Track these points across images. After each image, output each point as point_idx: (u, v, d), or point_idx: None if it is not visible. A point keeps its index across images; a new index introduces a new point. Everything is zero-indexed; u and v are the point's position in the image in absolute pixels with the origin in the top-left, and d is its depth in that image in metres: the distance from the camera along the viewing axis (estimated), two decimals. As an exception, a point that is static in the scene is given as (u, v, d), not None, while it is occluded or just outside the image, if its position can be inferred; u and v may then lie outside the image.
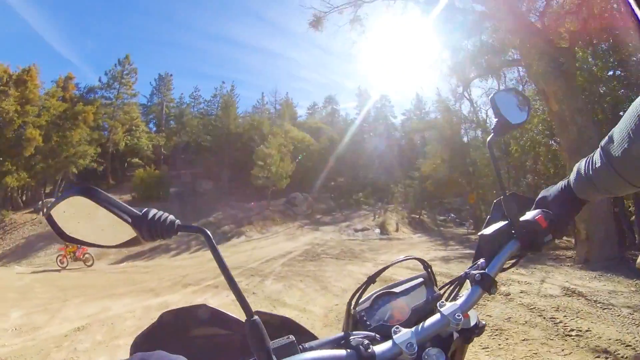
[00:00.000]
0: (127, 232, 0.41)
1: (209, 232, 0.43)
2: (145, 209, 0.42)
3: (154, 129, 38.26)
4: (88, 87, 33.62)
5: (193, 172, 32.84)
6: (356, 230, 21.65)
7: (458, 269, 5.88)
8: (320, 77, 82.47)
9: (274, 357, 0.44)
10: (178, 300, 5.94)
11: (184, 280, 8.04)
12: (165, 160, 36.26)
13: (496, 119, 0.78)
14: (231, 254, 13.83)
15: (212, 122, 36.54)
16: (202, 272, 8.90)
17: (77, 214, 0.40)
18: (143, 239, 0.41)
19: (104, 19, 54.97)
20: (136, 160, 32.24)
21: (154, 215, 0.42)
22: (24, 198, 27.65)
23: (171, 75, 40.56)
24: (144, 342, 0.57)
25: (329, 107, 44.25)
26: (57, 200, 0.39)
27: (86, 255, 12.83)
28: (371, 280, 0.67)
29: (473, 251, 0.75)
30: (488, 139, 0.79)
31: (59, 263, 12.59)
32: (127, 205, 0.40)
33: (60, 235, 0.42)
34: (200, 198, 27.98)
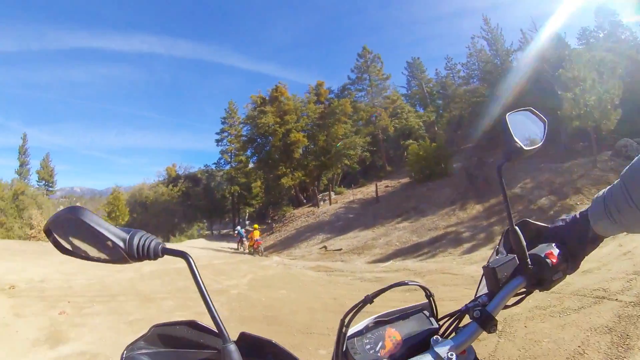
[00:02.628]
0: (116, 251, 0.44)
1: (191, 257, 0.46)
2: (132, 231, 0.45)
3: (422, 109, 36.84)
4: (340, 87, 35.68)
5: (476, 144, 27.37)
6: None
7: None
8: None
9: None
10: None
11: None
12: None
13: (507, 142, 0.71)
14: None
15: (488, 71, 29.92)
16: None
17: (74, 231, 0.43)
18: (129, 259, 0.44)
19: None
20: (409, 142, 30.32)
21: (140, 238, 0.45)
22: (305, 195, 31.07)
23: (418, 58, 38.78)
24: (134, 354, 0.56)
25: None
26: (54, 217, 0.43)
27: (259, 248, 15.92)
28: (368, 300, 0.64)
29: None
30: (498, 163, 0.70)
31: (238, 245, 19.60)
32: (115, 227, 0.44)
33: (57, 247, 0.45)
34: (491, 169, 21.85)
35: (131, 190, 39.23)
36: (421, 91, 37.60)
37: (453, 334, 0.66)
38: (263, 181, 32.62)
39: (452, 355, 0.57)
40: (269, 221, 29.84)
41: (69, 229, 0.43)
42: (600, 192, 0.64)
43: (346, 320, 0.63)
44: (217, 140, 41.36)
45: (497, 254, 0.73)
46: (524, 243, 0.65)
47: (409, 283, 0.71)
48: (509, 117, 0.72)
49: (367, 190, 25.81)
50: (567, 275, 0.67)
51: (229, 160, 41.66)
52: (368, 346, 0.64)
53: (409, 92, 38.70)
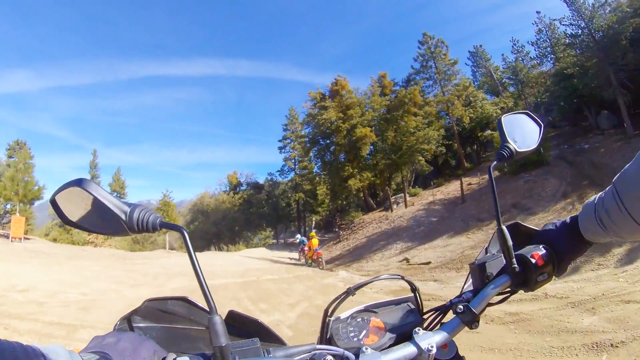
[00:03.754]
0: (118, 223, 0.45)
1: (186, 231, 0.47)
2: (133, 205, 0.46)
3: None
4: (405, 79, 32.20)
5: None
6: None
7: None
8: None
9: (230, 355, 0.46)
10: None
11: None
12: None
13: (502, 143, 0.73)
14: None
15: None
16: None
17: (78, 203, 0.44)
18: (130, 231, 0.45)
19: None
20: (488, 133, 26.21)
21: (140, 211, 0.45)
22: (375, 199, 28.18)
23: (481, 45, 35.54)
24: (127, 325, 0.59)
25: None
26: (60, 189, 0.44)
27: (319, 259, 13.92)
28: (350, 292, 0.67)
29: None
30: (491, 164, 0.72)
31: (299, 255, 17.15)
32: (118, 200, 0.45)
33: (63, 219, 0.46)
34: (592, 155, 17.55)
35: (194, 200, 39.98)
36: (490, 79, 33.05)
37: (437, 327, 0.65)
38: (329, 186, 30.46)
39: (432, 347, 0.57)
40: (336, 229, 27.74)
41: (74, 200, 0.44)
42: (592, 198, 0.64)
43: (329, 311, 0.66)
44: (280, 148, 40.77)
45: (486, 253, 0.74)
46: (510, 243, 0.65)
47: (393, 277, 0.74)
48: (504, 119, 0.73)
49: (447, 190, 22.18)
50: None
51: (293, 167, 40.71)
52: (352, 333, 0.66)
53: (477, 82, 34.60)
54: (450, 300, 0.67)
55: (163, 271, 10.66)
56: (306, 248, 16.41)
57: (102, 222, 0.45)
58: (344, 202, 28.69)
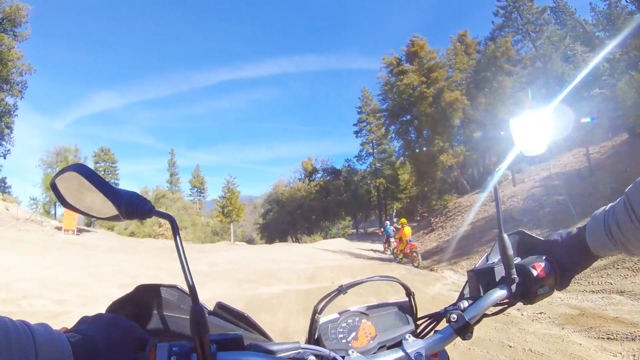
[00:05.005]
0: (110, 208, 0.46)
1: (175, 220, 0.47)
2: (126, 192, 0.46)
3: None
4: (487, 38, 26.26)
5: None
6: None
7: None
8: None
9: (212, 345, 0.47)
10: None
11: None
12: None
13: (511, 147, 0.71)
14: None
15: None
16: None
17: (75, 187, 0.45)
18: (122, 216, 0.46)
19: None
20: (595, 91, 19.94)
21: (131, 198, 0.46)
22: (476, 177, 23.45)
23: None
24: (117, 308, 0.59)
25: None
26: (59, 173, 0.45)
27: (413, 254, 10.61)
28: (341, 290, 0.66)
29: None
30: (496, 169, 0.71)
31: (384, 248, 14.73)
32: (112, 187, 0.46)
33: (62, 202, 0.47)
34: None
35: (269, 190, 38.87)
36: (581, 31, 25.36)
37: (430, 335, 0.63)
38: (413, 167, 26.47)
39: (421, 355, 0.56)
40: (418, 218, 24.41)
41: (72, 185, 0.45)
42: (601, 209, 0.61)
43: (319, 308, 0.64)
44: (356, 132, 37.85)
45: (487, 260, 0.71)
46: (511, 252, 0.62)
47: (388, 279, 0.72)
48: (513, 122, 0.70)
49: (561, 163, 16.88)
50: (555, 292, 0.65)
51: (371, 150, 37.44)
52: (341, 335, 0.65)
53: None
54: (445, 308, 0.64)
55: (205, 269, 8.68)
56: (393, 240, 13.20)
57: (96, 206, 0.46)
58: (432, 186, 24.41)
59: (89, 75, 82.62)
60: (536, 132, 0.69)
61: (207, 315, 0.46)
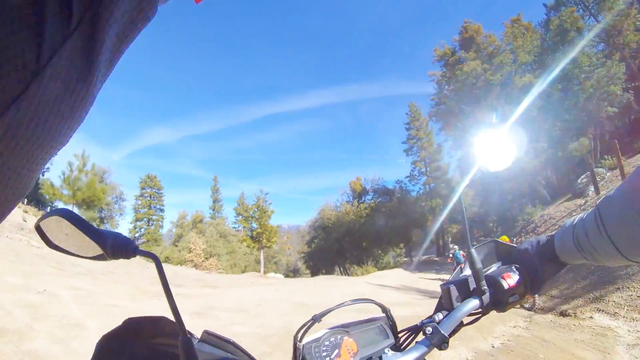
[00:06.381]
0: (95, 249, 0.48)
1: (158, 259, 0.51)
2: (110, 233, 0.49)
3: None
4: (543, 20, 23.02)
5: None
6: None
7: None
8: None
9: None
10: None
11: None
12: None
13: (473, 164, 0.73)
14: None
15: None
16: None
17: (60, 230, 0.47)
18: (107, 256, 0.49)
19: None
20: None
21: (115, 239, 0.48)
22: (554, 182, 19.37)
23: None
24: (108, 342, 0.60)
25: None
26: (44, 216, 0.47)
27: None
28: (316, 319, 0.68)
29: None
30: (461, 185, 0.75)
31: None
32: (96, 228, 0.47)
33: (47, 243, 0.49)
34: None
35: (315, 216, 36.13)
36: None
37: (410, 346, 0.66)
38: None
39: None
40: (474, 243, 20.19)
41: (56, 227, 0.47)
42: (570, 219, 0.64)
43: (298, 336, 0.67)
44: (406, 150, 35.06)
45: (461, 272, 0.74)
46: (480, 265, 0.66)
47: (360, 302, 0.73)
48: (477, 138, 0.72)
49: None
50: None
51: (424, 169, 34.23)
52: (324, 353, 0.67)
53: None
54: (422, 321, 0.67)
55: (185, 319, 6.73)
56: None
57: (81, 248, 0.48)
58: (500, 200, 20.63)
59: (145, 111, 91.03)
60: (499, 148, 0.70)
61: (195, 343, 0.49)
